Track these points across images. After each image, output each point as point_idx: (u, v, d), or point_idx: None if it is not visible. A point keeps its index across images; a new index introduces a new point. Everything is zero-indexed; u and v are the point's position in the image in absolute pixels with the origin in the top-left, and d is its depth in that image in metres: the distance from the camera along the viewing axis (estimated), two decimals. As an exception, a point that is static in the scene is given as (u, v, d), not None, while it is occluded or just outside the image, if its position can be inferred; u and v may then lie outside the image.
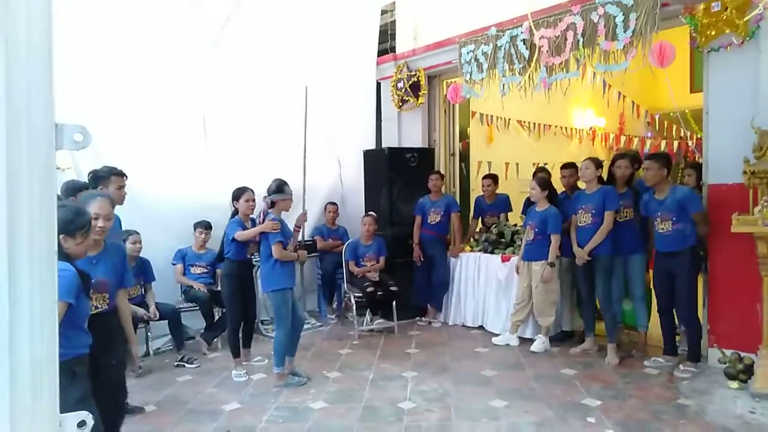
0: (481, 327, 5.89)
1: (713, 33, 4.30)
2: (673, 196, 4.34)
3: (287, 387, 4.29)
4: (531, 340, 5.20)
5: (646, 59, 4.41)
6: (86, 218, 2.36)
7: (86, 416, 1.94)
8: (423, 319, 6.28)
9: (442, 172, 6.70)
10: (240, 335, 4.71)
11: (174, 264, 5.54)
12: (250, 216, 4.69)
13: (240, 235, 4.44)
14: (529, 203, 5.67)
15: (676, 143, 9.19)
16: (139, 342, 4.94)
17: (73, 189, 3.62)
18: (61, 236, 2.23)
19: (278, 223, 4.26)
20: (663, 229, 4.37)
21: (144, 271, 5.02)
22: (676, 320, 4.60)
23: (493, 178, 6.49)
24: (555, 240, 5.02)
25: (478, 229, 6.44)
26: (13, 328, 0.82)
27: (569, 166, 5.47)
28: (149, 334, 5.10)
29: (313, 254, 6.36)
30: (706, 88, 4.54)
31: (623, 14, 4.47)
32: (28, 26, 0.78)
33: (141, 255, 4.95)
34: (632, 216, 4.82)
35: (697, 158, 5.67)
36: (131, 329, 3.02)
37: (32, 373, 0.88)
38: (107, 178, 3.74)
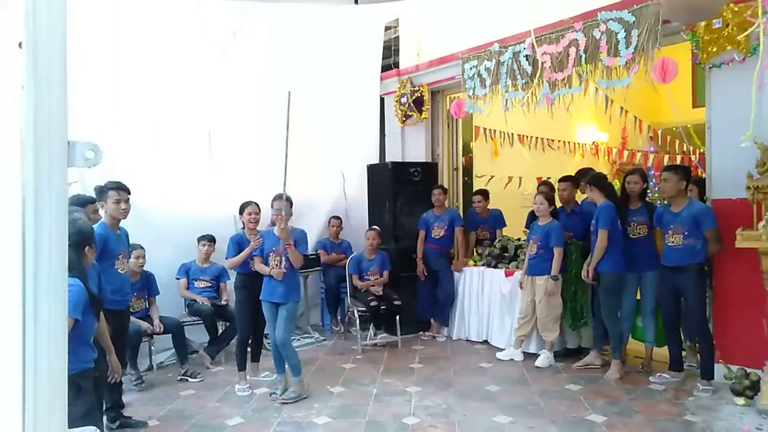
0: (485, 341, 5.87)
1: (715, 49, 4.34)
2: (689, 210, 4.30)
3: (287, 399, 4.29)
4: (535, 355, 5.18)
5: (648, 75, 4.44)
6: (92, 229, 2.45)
7: (94, 431, 1.95)
8: (427, 333, 6.26)
9: (446, 186, 6.73)
10: (248, 349, 4.72)
11: (178, 278, 5.55)
12: (254, 229, 4.73)
13: (229, 262, 4.63)
14: (532, 218, 5.68)
15: (679, 158, 9.20)
16: (142, 356, 4.98)
17: (79, 203, 3.66)
18: (86, 248, 2.27)
19: (260, 239, 4.36)
20: (673, 242, 4.34)
21: (148, 284, 5.03)
22: (682, 336, 4.59)
23: (483, 194, 6.50)
24: (558, 253, 5.03)
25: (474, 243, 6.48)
26: (31, 344, 0.84)
27: (567, 179, 5.54)
28: (152, 348, 5.10)
29: (316, 268, 6.37)
30: (709, 104, 4.57)
31: (625, 31, 4.51)
32: (50, 58, 0.83)
33: (145, 269, 4.97)
34: (646, 233, 4.73)
35: (700, 173, 5.69)
36: (108, 340, 3.01)
37: (49, 390, 0.90)
38: (106, 193, 3.77)
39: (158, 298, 5.11)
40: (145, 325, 4.78)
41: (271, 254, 4.31)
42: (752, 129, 3.70)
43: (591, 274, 4.72)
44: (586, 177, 5.13)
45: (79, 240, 2.32)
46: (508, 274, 5.64)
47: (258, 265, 4.37)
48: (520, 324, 5.27)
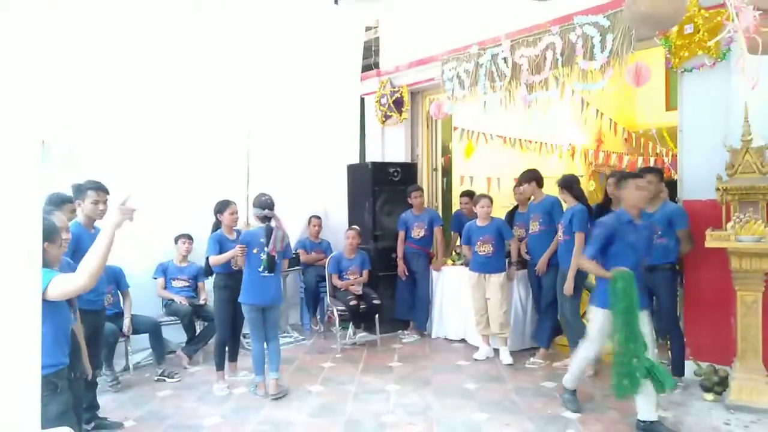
0: (463, 340, 5.93)
1: (686, 54, 4.46)
2: (663, 210, 4.40)
3: (266, 398, 4.30)
4: (511, 353, 5.25)
5: (622, 78, 4.54)
6: (59, 226, 2.42)
7: (68, 431, 1.93)
8: (405, 332, 6.30)
9: (425, 186, 6.78)
10: (226, 349, 4.71)
11: (155, 278, 5.50)
12: (234, 228, 4.71)
13: (213, 259, 4.56)
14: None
15: (652, 160, 9.40)
16: (119, 356, 4.92)
17: (58, 201, 3.61)
18: (45, 243, 2.24)
19: (245, 247, 4.34)
20: None
21: (116, 279, 4.90)
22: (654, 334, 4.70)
23: (470, 195, 6.57)
24: (514, 243, 5.37)
25: (458, 243, 6.51)
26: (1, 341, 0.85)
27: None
28: (129, 348, 5.04)
29: (296, 267, 6.36)
30: (681, 108, 4.69)
31: (600, 35, 4.61)
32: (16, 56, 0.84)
33: (118, 265, 4.86)
34: None
35: (672, 175, 5.82)
36: (83, 340, 2.98)
37: (20, 388, 0.91)
38: (84, 192, 3.71)
39: (135, 299, 5.05)
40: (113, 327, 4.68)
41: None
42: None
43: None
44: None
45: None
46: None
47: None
48: (480, 322, 5.38)
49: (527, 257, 5.43)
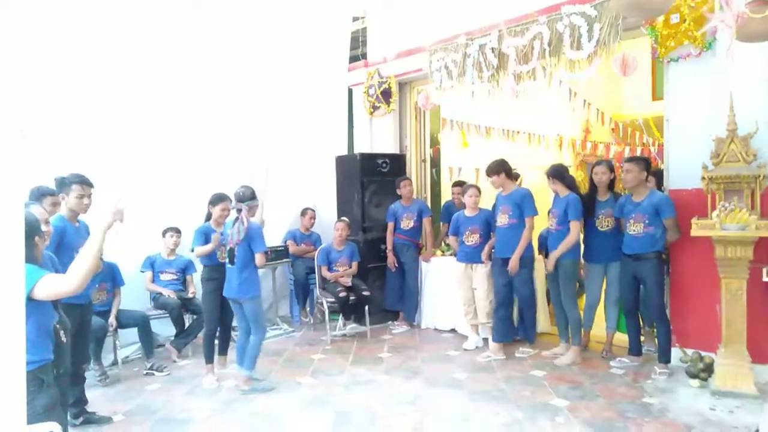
0: (452, 330, 5.96)
1: (673, 44, 4.47)
2: (650, 199, 4.43)
3: (253, 392, 4.29)
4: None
5: (609, 68, 4.55)
6: (39, 219, 2.42)
7: (55, 427, 1.92)
8: (395, 323, 6.32)
9: (414, 178, 6.77)
10: (215, 342, 4.69)
11: (143, 271, 5.46)
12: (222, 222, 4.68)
13: (198, 250, 4.54)
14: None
15: (639, 149, 9.45)
16: (107, 351, 4.89)
17: (39, 194, 3.56)
18: (36, 238, 2.22)
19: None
20: (634, 231, 4.47)
21: (112, 276, 4.90)
22: (641, 321, 4.75)
23: (462, 186, 6.57)
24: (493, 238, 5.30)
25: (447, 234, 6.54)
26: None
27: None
28: (117, 342, 5.00)
29: (285, 259, 6.34)
30: (667, 97, 4.71)
31: (587, 24, 4.61)
32: None
33: (108, 261, 4.83)
34: (614, 225, 4.80)
35: (658, 164, 5.86)
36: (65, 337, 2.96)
37: (5, 383, 0.89)
38: (69, 186, 3.66)
39: (123, 292, 5.01)
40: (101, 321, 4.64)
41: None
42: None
43: (552, 265, 4.84)
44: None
45: (28, 232, 2.26)
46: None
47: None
48: (469, 311, 5.41)
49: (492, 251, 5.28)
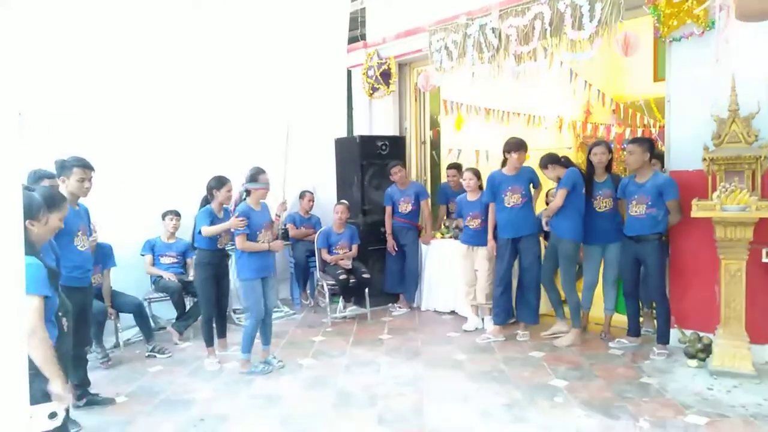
0: (452, 312, 5.99)
1: (675, 23, 4.42)
2: (654, 180, 4.40)
3: (250, 374, 4.32)
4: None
5: (611, 48, 4.50)
6: (40, 199, 2.33)
7: (57, 407, 1.94)
8: (395, 305, 6.35)
9: (413, 160, 6.75)
10: (213, 325, 4.70)
11: (143, 255, 5.47)
12: (225, 206, 4.67)
13: (206, 230, 4.46)
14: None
15: (640, 131, 9.41)
16: (109, 333, 4.92)
17: (37, 177, 3.54)
18: (27, 221, 2.18)
19: (244, 219, 4.22)
20: (636, 212, 4.45)
21: (104, 257, 4.78)
22: (640, 303, 4.77)
23: (457, 168, 6.56)
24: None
25: (445, 216, 6.56)
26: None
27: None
28: (118, 325, 5.03)
29: (285, 242, 6.34)
30: (669, 78, 4.67)
31: (589, 4, 4.55)
32: None
33: (106, 242, 4.80)
34: (612, 206, 4.80)
35: (660, 146, 5.83)
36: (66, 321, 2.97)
37: (8, 365, 0.89)
38: (69, 169, 3.64)
39: (122, 276, 5.01)
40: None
41: (262, 231, 4.32)
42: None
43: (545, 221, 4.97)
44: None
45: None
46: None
47: (247, 244, 4.25)
48: (470, 293, 5.45)
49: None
